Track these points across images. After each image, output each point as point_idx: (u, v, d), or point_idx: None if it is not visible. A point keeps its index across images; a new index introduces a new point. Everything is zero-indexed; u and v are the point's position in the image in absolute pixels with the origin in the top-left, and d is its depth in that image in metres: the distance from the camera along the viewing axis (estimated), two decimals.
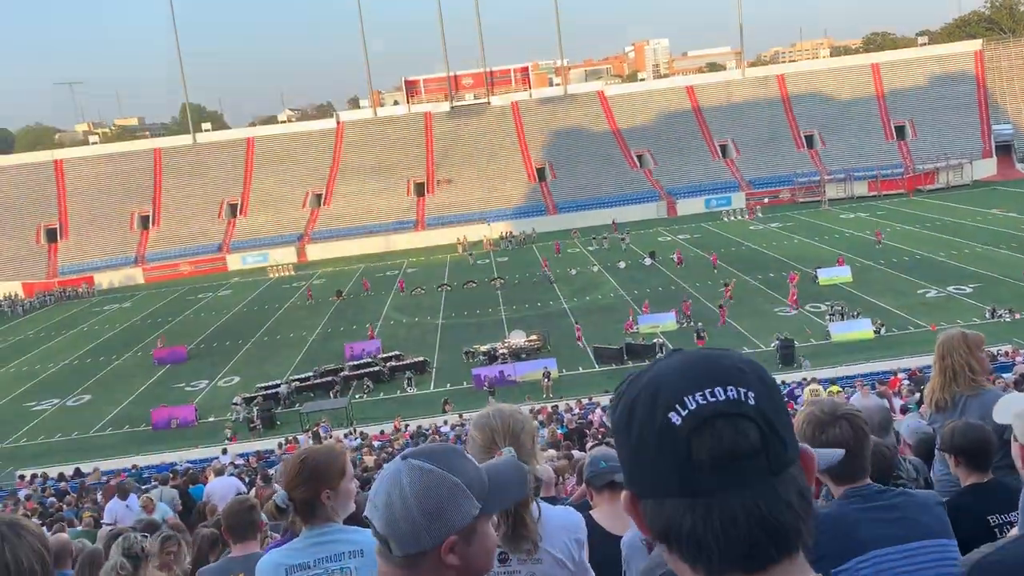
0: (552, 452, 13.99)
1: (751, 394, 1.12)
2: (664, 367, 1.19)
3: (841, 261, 48.85)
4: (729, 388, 1.12)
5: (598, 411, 23.82)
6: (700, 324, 37.19)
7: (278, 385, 35.81)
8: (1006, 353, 27.71)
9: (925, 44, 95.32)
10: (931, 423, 3.81)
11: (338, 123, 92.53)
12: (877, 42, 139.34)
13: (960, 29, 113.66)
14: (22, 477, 26.50)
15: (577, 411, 24.96)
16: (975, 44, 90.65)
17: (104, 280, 72.51)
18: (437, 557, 1.63)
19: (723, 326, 37.73)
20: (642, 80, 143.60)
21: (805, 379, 25.66)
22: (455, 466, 1.68)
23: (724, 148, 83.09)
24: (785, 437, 1.13)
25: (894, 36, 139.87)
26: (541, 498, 2.87)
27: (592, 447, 7.80)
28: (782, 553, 1.10)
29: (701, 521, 1.08)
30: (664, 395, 1.13)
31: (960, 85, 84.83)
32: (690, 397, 1.11)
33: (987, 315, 34.49)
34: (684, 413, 1.10)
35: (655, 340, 36.50)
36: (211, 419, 34.44)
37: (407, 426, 27.74)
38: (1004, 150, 78.24)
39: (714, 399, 1.11)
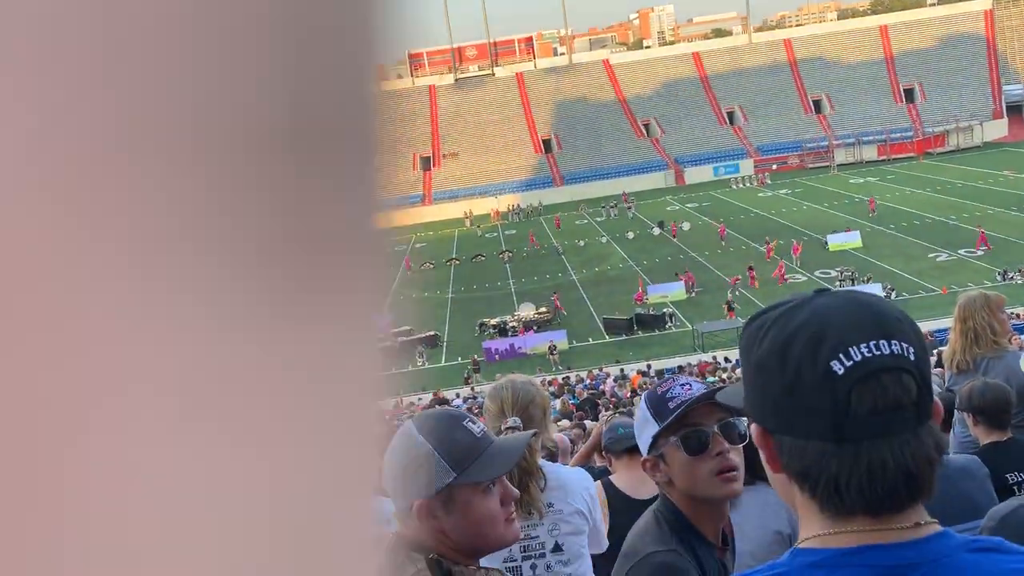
0: (565, 422, 14.10)
1: (911, 349, 1.14)
2: (826, 309, 1.19)
3: (872, 203, 50.38)
4: (893, 342, 1.13)
5: (609, 381, 23.93)
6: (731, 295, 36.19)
7: None
8: (1017, 315, 27.64)
9: (934, 5, 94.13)
10: (951, 385, 3.81)
11: None
12: (885, 3, 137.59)
13: None
14: None
15: (588, 381, 25.07)
16: (984, 3, 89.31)
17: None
18: (415, 518, 1.69)
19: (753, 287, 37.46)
20: (647, 48, 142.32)
21: None
22: (439, 433, 1.73)
23: (731, 115, 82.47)
24: (932, 389, 1.18)
25: None
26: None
27: (607, 417, 7.86)
28: (915, 500, 1.14)
29: (848, 466, 1.10)
30: (830, 341, 1.14)
31: (970, 46, 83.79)
32: (856, 348, 1.12)
33: (998, 277, 34.33)
34: (849, 364, 1.11)
35: (664, 310, 36.52)
36: None
37: (419, 399, 27.91)
38: (1015, 110, 77.40)
39: (879, 352, 1.12)
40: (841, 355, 1.12)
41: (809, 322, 1.17)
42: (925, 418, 1.14)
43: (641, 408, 2.07)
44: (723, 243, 46.78)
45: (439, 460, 1.67)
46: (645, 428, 2.02)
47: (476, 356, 34.18)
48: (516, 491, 1.88)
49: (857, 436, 1.10)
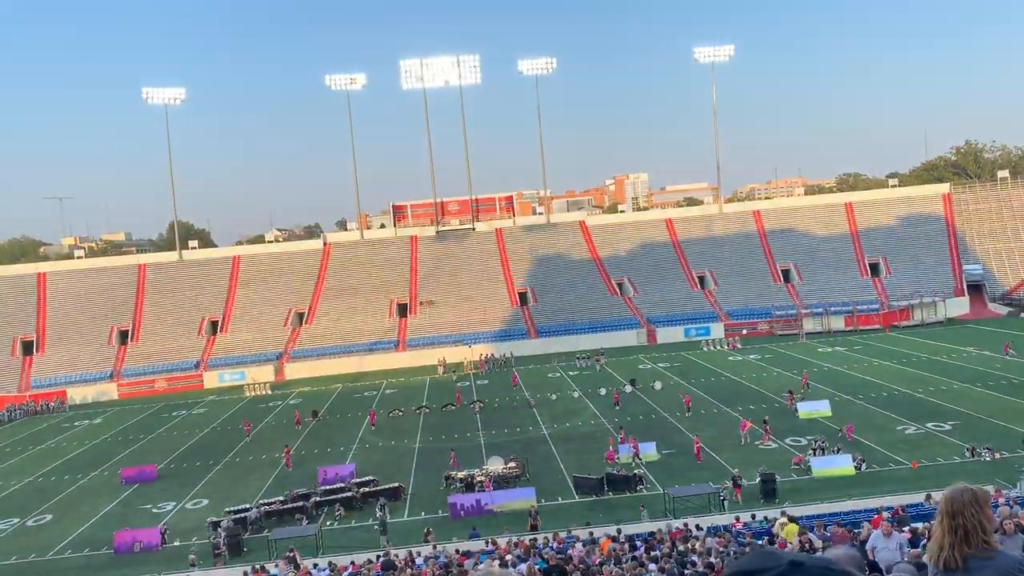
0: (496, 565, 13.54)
1: None
2: None
3: (805, 379, 50.88)
4: None
5: (578, 546, 23.18)
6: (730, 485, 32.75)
7: (247, 509, 34.71)
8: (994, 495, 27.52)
9: (895, 185, 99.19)
10: None
11: (325, 244, 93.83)
12: (849, 182, 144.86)
13: (928, 172, 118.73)
14: None
15: (556, 545, 24.27)
16: (943, 187, 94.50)
17: (77, 395, 71.25)
18: None
19: (765, 444, 37.32)
20: (622, 212, 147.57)
21: (783, 512, 25.24)
22: None
23: (702, 279, 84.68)
24: None
25: (866, 177, 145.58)
26: None
27: None
28: None
29: None
30: None
31: (930, 225, 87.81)
32: None
33: (966, 453, 34.43)
34: None
35: (636, 471, 35.99)
36: (176, 543, 33.15)
37: (379, 557, 26.76)
38: (975, 289, 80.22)
39: None
40: None
41: None
42: None
43: None
44: (688, 413, 45.85)
45: None
46: None
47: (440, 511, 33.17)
48: None
49: None
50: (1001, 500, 24.12)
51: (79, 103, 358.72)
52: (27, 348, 78.42)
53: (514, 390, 58.75)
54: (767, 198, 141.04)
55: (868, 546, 13.31)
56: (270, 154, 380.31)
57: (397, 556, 25.84)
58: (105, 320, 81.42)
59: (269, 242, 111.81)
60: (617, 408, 49.22)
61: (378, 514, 33.21)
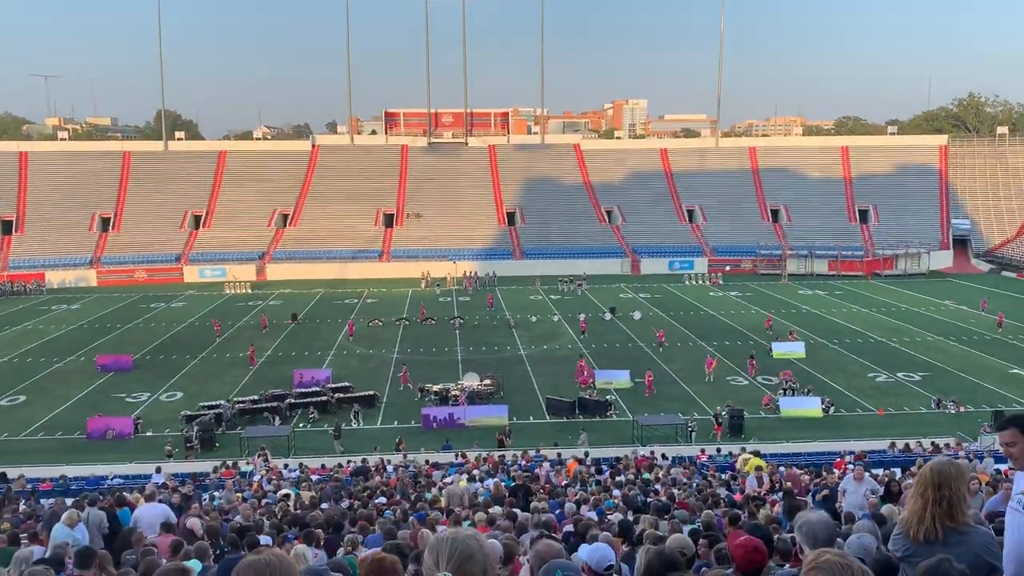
0: (497, 509, 13.75)
1: None
2: None
3: (768, 322, 51.20)
4: None
5: (545, 465, 23.59)
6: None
7: (220, 405, 34.99)
8: (947, 445, 28.17)
9: (894, 133, 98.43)
10: (908, 555, 3.62)
11: (314, 145, 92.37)
12: (848, 126, 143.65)
13: (927, 123, 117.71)
14: None
15: (524, 463, 24.70)
16: (941, 139, 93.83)
17: (56, 278, 70.81)
18: None
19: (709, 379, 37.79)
20: (618, 138, 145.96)
21: (743, 448, 25.76)
22: None
23: (691, 213, 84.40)
24: None
25: (865, 122, 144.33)
26: None
27: (536, 538, 7.69)
28: None
29: None
30: None
31: (924, 177, 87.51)
32: None
33: (932, 404, 35.08)
34: None
35: (608, 397, 36.49)
36: (148, 433, 33.49)
37: (349, 462, 27.19)
38: (961, 244, 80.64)
39: None
40: None
41: None
42: None
43: None
44: (661, 347, 45.59)
45: None
46: None
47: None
48: None
49: None
50: (961, 453, 24.69)
51: None
52: (6, 227, 77.45)
53: (492, 310, 58.99)
54: (764, 135, 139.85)
55: (839, 488, 13.57)
56: (263, 49, 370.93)
57: (367, 461, 26.26)
58: (87, 205, 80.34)
59: (257, 139, 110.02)
60: (583, 336, 49.39)
61: (334, 418, 33.67)
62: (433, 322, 53.90)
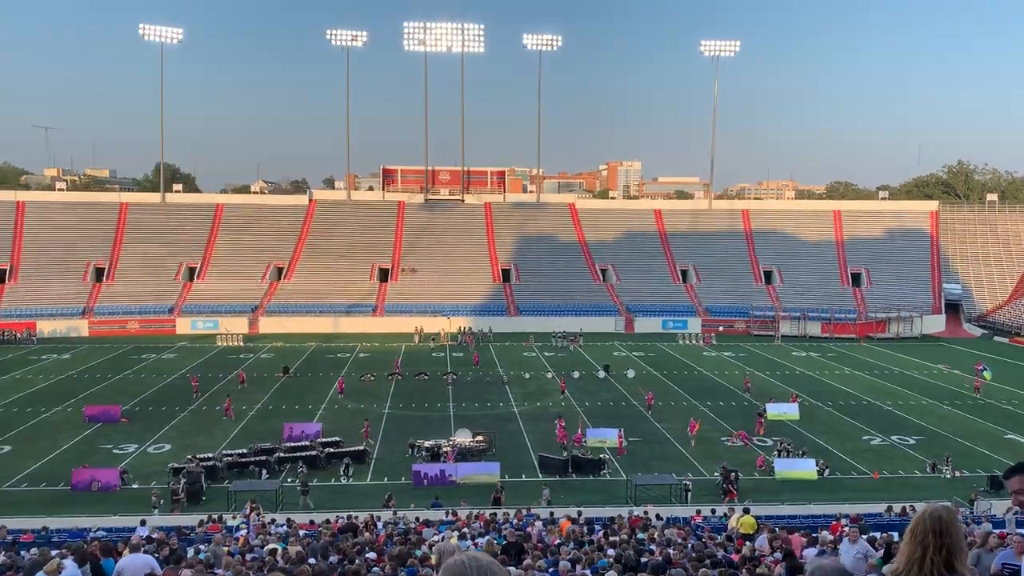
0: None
1: None
2: None
3: (747, 383, 50.92)
4: None
5: (538, 524, 23.20)
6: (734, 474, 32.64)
7: (211, 458, 34.48)
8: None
9: (885, 198, 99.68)
10: None
11: (311, 200, 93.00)
12: (840, 191, 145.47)
13: (918, 188, 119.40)
14: None
15: (516, 521, 24.30)
16: (932, 205, 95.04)
17: (47, 328, 70.44)
18: None
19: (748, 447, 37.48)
20: (613, 198, 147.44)
21: (731, 510, 25.44)
22: None
23: (685, 273, 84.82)
24: None
25: (856, 187, 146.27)
26: None
27: None
28: None
29: None
30: None
31: (916, 241, 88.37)
32: None
33: (927, 468, 34.80)
34: None
35: (602, 455, 36.12)
36: (135, 486, 32.92)
37: (338, 517, 26.69)
38: (953, 308, 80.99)
39: None
40: None
41: None
42: None
43: None
44: (649, 412, 44.49)
45: None
46: None
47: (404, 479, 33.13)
48: None
49: None
50: (959, 518, 24.41)
51: (74, 32, 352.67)
52: (0, 276, 77.35)
53: (488, 366, 58.75)
54: (757, 198, 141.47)
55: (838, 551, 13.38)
56: (262, 105, 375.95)
57: (357, 519, 25.79)
58: (82, 255, 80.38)
59: (254, 192, 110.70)
60: (563, 395, 48.88)
61: (299, 472, 33.26)
62: (426, 377, 53.57)
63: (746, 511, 24.32)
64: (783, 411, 44.10)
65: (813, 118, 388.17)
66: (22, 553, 19.44)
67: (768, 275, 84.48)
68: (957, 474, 34.10)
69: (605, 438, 38.59)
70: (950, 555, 3.43)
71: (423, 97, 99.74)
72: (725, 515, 26.17)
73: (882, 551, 12.68)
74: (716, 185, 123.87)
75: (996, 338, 74.95)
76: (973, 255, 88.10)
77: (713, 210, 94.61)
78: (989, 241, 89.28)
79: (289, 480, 33.72)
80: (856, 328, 74.37)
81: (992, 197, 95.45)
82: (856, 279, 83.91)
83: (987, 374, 54.00)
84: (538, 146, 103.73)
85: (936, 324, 78.01)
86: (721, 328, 74.94)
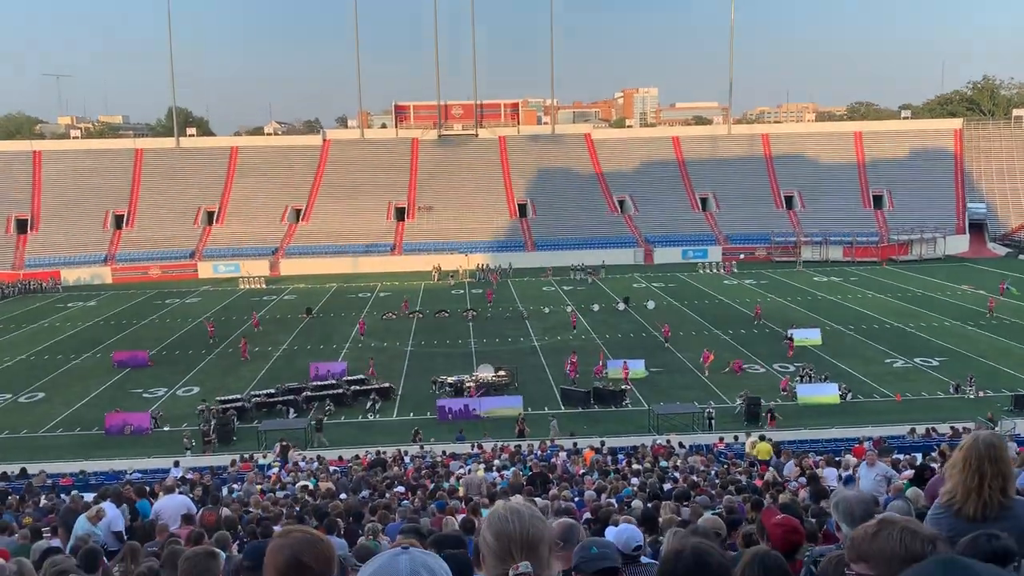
0: (517, 497, 13.71)
1: None
2: None
3: (758, 310, 50.56)
4: None
5: (561, 455, 23.56)
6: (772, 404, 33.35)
7: (239, 399, 35.12)
8: (966, 430, 27.93)
9: (908, 118, 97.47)
10: (950, 531, 3.44)
11: (324, 140, 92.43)
12: (861, 111, 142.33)
13: (941, 107, 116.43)
14: None
15: (540, 453, 24.68)
16: (955, 122, 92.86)
17: (71, 276, 71.27)
18: None
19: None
20: (629, 127, 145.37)
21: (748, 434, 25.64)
22: None
23: (704, 201, 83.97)
24: None
25: (878, 107, 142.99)
26: None
27: (557, 511, 7.65)
28: None
29: None
30: None
31: (939, 161, 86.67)
32: None
33: (951, 389, 34.80)
34: None
35: (623, 387, 36.37)
36: (166, 428, 33.66)
37: (367, 453, 27.24)
38: (977, 228, 79.85)
39: None
40: None
41: None
42: None
43: None
44: (666, 345, 43.91)
45: None
46: None
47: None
48: None
49: None
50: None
51: None
52: (21, 226, 78.00)
53: (508, 302, 58.92)
54: (777, 122, 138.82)
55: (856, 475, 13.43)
56: (272, 45, 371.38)
57: (386, 453, 26.31)
58: (100, 203, 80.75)
59: (268, 134, 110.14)
60: (573, 330, 48.64)
61: (327, 409, 33.86)
62: (447, 315, 53.87)
63: (762, 437, 24.52)
64: (805, 336, 44.04)
65: (833, 38, 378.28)
66: (62, 496, 20.03)
67: (789, 200, 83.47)
68: (981, 394, 34.08)
69: (628, 369, 38.54)
70: (1005, 481, 3.44)
71: (433, 30, 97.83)
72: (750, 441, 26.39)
73: (906, 472, 12.73)
74: (735, 109, 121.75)
75: (1021, 257, 74.03)
76: (998, 173, 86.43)
77: (732, 135, 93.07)
78: (1015, 158, 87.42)
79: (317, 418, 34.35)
80: (878, 251, 73.63)
81: (1019, 112, 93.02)
82: (878, 201, 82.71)
83: (1014, 290, 53.57)
84: (551, 76, 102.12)
85: (960, 244, 77.05)
86: (742, 256, 74.45)
